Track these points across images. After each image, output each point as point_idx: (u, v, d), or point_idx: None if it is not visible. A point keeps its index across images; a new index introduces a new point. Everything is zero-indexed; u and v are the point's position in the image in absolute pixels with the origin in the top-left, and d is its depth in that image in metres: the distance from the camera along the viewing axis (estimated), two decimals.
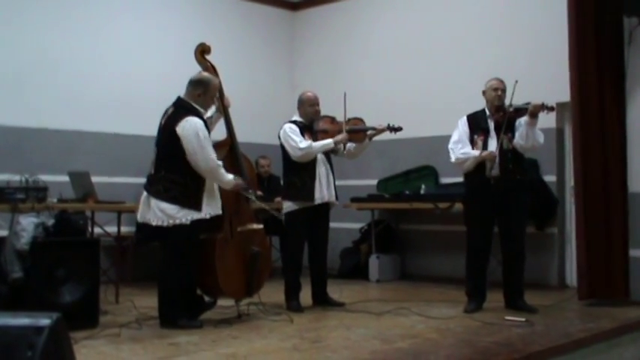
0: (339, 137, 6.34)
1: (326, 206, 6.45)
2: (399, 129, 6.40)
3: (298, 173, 6.28)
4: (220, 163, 5.46)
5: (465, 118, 6.32)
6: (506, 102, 6.10)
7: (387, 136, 6.60)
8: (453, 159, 6.28)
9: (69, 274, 5.36)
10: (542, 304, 6.38)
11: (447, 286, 7.67)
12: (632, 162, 6.81)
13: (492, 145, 6.08)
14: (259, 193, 6.13)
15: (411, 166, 8.96)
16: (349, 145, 6.50)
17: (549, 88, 7.35)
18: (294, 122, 6.40)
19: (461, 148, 6.20)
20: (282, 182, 6.68)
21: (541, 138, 6.12)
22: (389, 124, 6.39)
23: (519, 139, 6.06)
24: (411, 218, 8.99)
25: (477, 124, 6.22)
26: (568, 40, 6.78)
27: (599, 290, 6.64)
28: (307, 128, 6.40)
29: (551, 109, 5.97)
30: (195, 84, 5.53)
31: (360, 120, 6.54)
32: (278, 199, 7.26)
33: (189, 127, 5.31)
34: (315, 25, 10.22)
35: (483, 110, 6.26)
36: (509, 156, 6.08)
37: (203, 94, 5.50)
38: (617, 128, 6.80)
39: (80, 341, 4.65)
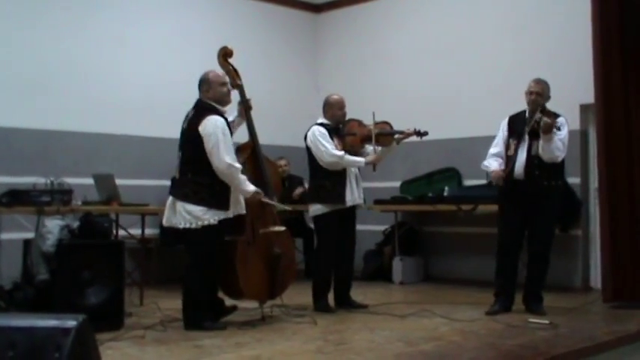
0: (370, 159, 6.31)
1: (353, 208, 6.44)
2: (425, 133, 6.32)
3: (329, 176, 6.24)
4: (239, 166, 5.40)
5: (506, 119, 6.31)
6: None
7: (410, 138, 6.57)
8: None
9: (94, 276, 5.40)
10: (567, 306, 6.35)
11: (471, 288, 7.64)
12: None
13: (523, 149, 6.06)
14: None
15: (434, 169, 8.94)
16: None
17: (573, 90, 7.31)
18: (322, 125, 6.36)
19: (491, 155, 6.25)
20: (305, 183, 6.65)
21: (558, 152, 6.00)
22: (415, 129, 6.30)
23: (540, 149, 6.01)
24: (434, 220, 8.96)
25: (515, 127, 6.19)
26: (592, 40, 6.74)
27: (624, 292, 6.59)
28: (335, 131, 6.37)
29: (558, 129, 5.90)
30: (200, 85, 5.57)
31: (387, 124, 6.46)
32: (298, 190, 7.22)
33: (210, 124, 5.33)
34: (338, 27, 10.21)
35: (524, 112, 6.22)
36: (536, 162, 6.04)
37: (209, 88, 5.51)
38: None
39: (105, 343, 4.67)
